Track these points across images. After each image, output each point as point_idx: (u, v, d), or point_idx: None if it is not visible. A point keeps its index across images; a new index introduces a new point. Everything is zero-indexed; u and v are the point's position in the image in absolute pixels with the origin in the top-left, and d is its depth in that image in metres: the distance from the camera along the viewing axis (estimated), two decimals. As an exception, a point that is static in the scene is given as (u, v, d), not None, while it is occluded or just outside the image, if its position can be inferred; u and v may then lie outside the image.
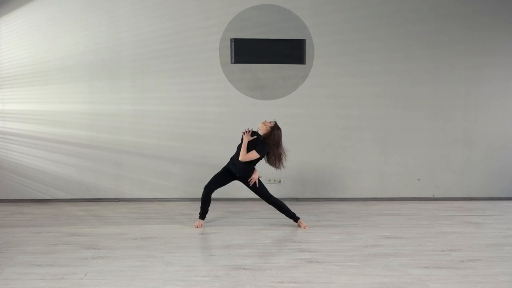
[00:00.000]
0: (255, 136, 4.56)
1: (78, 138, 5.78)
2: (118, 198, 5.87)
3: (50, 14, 5.66)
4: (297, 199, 5.92)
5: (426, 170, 5.99)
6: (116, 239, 4.17)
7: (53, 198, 5.82)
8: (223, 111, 5.83)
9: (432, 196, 6.02)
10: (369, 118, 5.90)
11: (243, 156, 4.47)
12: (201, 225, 4.62)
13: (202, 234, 4.40)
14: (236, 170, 4.60)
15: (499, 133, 5.99)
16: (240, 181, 4.69)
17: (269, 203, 4.68)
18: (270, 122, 4.57)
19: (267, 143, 4.50)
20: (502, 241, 4.18)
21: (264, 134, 4.53)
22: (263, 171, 5.76)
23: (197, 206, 4.78)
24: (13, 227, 4.56)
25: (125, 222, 4.81)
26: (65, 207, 5.49)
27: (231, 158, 4.69)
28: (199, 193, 4.70)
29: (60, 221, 4.85)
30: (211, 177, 4.72)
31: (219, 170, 4.78)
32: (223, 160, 4.83)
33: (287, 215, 4.66)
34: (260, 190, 4.65)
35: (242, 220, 4.89)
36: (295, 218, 4.65)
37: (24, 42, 5.68)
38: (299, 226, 4.61)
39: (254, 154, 4.46)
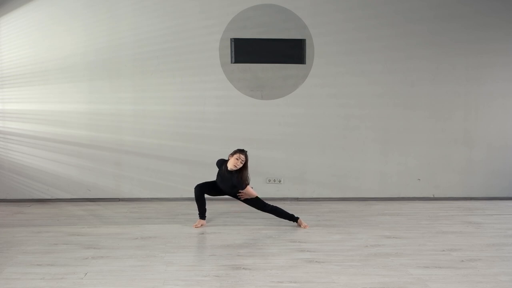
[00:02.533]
0: (223, 167, 4.55)
1: (79, 138, 5.78)
2: (118, 198, 5.87)
3: (50, 13, 5.66)
4: (297, 199, 5.92)
5: (426, 170, 5.98)
6: (116, 238, 4.17)
7: (53, 197, 5.82)
8: (223, 111, 5.82)
9: (432, 196, 6.01)
10: (369, 118, 5.90)
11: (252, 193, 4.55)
12: (202, 225, 4.62)
13: (202, 234, 4.40)
14: (224, 187, 4.59)
15: (499, 132, 5.99)
16: (230, 196, 4.68)
17: (266, 212, 4.64)
18: (241, 161, 4.44)
19: (241, 176, 4.47)
20: (502, 241, 4.17)
21: (235, 168, 4.47)
22: (263, 169, 5.79)
23: (197, 206, 4.77)
24: (13, 227, 4.56)
25: (125, 222, 4.81)
26: (65, 207, 5.49)
27: (217, 181, 4.65)
28: (199, 193, 4.70)
29: (60, 221, 4.85)
30: (209, 179, 4.75)
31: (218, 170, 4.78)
32: (223, 160, 4.83)
33: (286, 218, 4.63)
34: (254, 202, 4.62)
35: (242, 220, 4.88)
36: (294, 219, 4.63)
37: (25, 41, 5.68)
38: (299, 225, 4.60)
39: (250, 189, 4.52)
